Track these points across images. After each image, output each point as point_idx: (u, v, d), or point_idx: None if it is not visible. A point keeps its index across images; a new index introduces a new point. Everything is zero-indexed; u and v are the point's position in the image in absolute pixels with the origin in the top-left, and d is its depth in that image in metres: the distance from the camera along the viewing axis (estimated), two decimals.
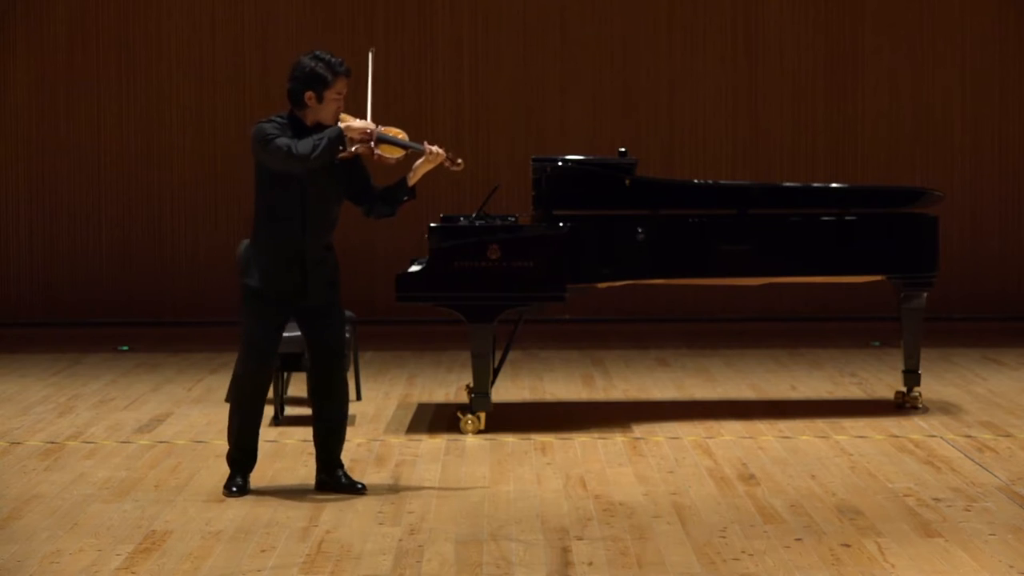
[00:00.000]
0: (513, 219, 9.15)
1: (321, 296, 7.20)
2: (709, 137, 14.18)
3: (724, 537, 6.41)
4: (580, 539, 6.39)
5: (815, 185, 10.23)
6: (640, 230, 8.94)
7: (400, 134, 7.34)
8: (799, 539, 6.38)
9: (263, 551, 6.23)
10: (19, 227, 14.12)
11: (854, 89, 14.15)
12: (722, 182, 10.85)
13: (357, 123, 7.10)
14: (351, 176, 7.25)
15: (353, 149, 7.13)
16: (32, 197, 14.10)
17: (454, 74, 14.14)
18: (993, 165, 14.19)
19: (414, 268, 8.82)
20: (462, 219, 9.04)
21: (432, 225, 8.83)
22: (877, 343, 12.38)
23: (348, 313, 9.59)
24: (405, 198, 7.33)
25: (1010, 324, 13.68)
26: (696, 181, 10.22)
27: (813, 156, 14.17)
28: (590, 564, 6.01)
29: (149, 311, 14.04)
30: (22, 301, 14.12)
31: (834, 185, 10.20)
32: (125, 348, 12.48)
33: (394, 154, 7.26)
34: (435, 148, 7.31)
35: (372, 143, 7.11)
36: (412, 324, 13.41)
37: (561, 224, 8.81)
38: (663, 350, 12.28)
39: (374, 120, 7.23)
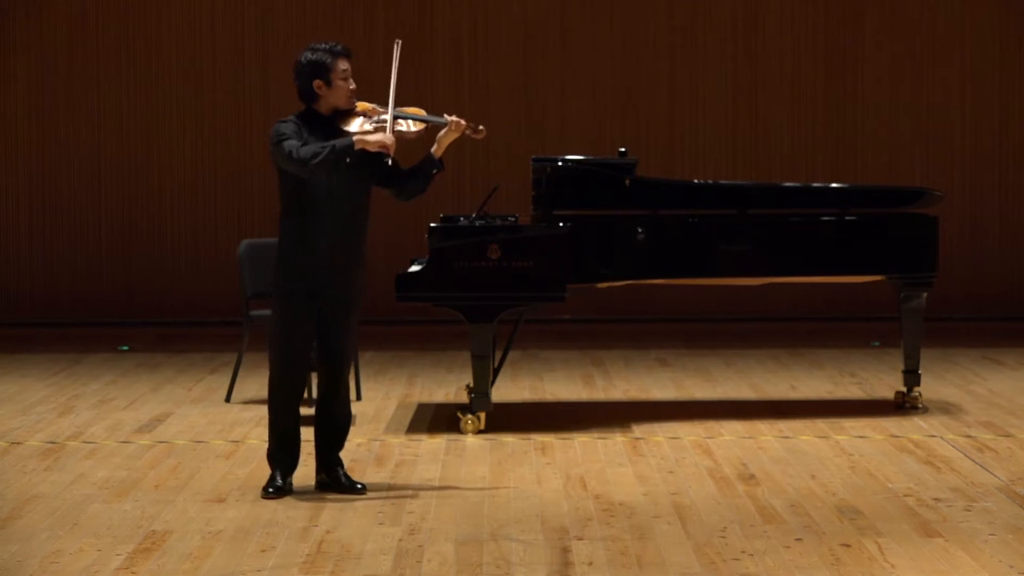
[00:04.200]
0: (513, 219, 9.15)
1: (342, 291, 7.15)
2: (709, 137, 14.18)
3: (724, 537, 6.41)
4: (580, 539, 6.39)
5: (815, 185, 10.23)
6: (640, 230, 8.94)
7: (419, 112, 7.36)
8: (799, 539, 6.38)
9: (263, 551, 6.23)
10: (19, 227, 14.12)
11: (854, 89, 14.15)
12: (722, 182, 10.86)
13: (374, 136, 7.07)
14: (377, 163, 7.19)
15: (371, 127, 7.16)
16: (32, 197, 14.10)
17: (454, 74, 14.14)
18: (993, 165, 14.19)
19: (414, 268, 8.82)
20: (462, 219, 9.04)
21: (432, 225, 8.84)
22: (877, 343, 12.39)
23: None
24: (435, 171, 7.35)
25: (1010, 324, 13.68)
26: (696, 181, 10.22)
27: (813, 156, 14.17)
28: (590, 564, 6.01)
29: (149, 311, 14.04)
30: (22, 301, 14.12)
31: (834, 185, 10.19)
32: (125, 348, 12.48)
33: (414, 128, 7.27)
34: (455, 118, 7.36)
35: (390, 152, 7.09)
36: (412, 324, 13.41)
37: (561, 224, 8.81)
38: (663, 350, 12.28)
39: (394, 104, 7.23)
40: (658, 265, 9.03)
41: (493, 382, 8.94)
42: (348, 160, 7.05)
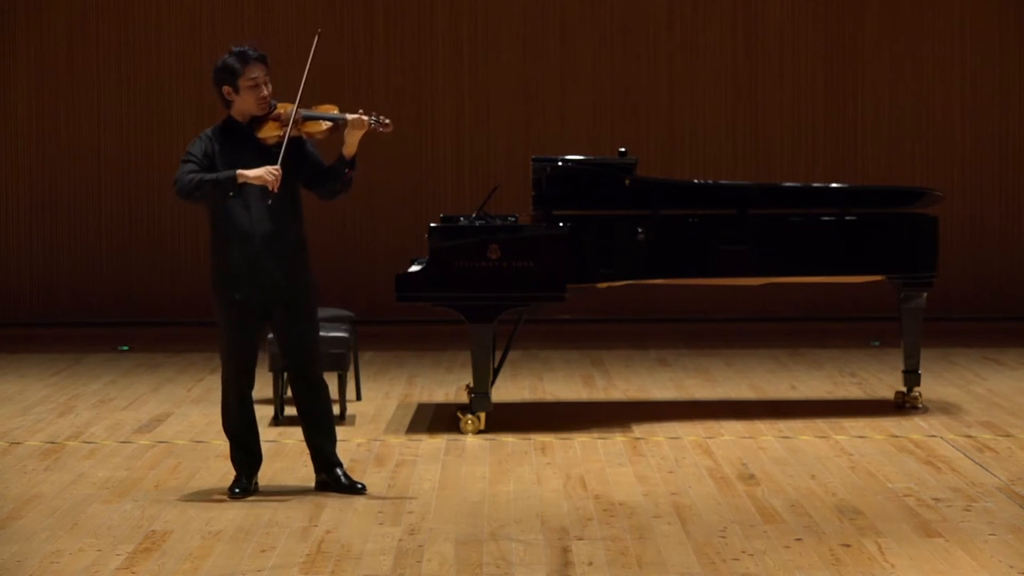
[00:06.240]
0: (513, 219, 9.15)
1: (285, 291, 7.13)
2: (709, 137, 14.18)
3: (724, 537, 6.41)
4: (580, 539, 6.39)
5: (815, 185, 10.23)
6: (640, 230, 8.94)
7: (333, 109, 7.26)
8: (799, 539, 6.38)
9: (263, 551, 6.23)
10: (19, 227, 14.12)
11: (854, 89, 14.15)
12: (722, 182, 10.86)
13: (254, 172, 6.96)
14: (301, 163, 7.16)
15: (281, 134, 7.09)
16: (32, 197, 14.10)
17: (454, 74, 14.14)
18: (993, 165, 14.19)
19: (414, 268, 8.82)
20: (462, 219, 9.04)
21: (432, 225, 8.83)
22: (877, 343, 12.38)
23: (348, 313, 9.63)
24: (346, 170, 7.20)
25: (1010, 324, 13.67)
26: (696, 181, 10.22)
27: (813, 156, 14.17)
28: (590, 564, 6.01)
29: (149, 311, 14.04)
30: (22, 301, 14.12)
31: (834, 185, 10.20)
32: (125, 348, 12.48)
33: (318, 128, 7.18)
34: (357, 115, 7.16)
35: (295, 125, 7.06)
36: (412, 324, 13.41)
37: (561, 224, 8.82)
38: (663, 350, 12.28)
39: (302, 102, 7.17)
40: (658, 265, 9.03)
41: (493, 382, 8.94)
42: (231, 193, 7.00)
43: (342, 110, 7.29)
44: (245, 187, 7.04)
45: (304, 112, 7.18)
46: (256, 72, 7.09)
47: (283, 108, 7.19)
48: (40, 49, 14.05)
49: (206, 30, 14.09)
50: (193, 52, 14.07)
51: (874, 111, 14.16)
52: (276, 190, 6.95)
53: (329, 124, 7.19)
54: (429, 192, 14.07)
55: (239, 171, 6.98)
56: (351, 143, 7.17)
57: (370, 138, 7.41)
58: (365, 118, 7.15)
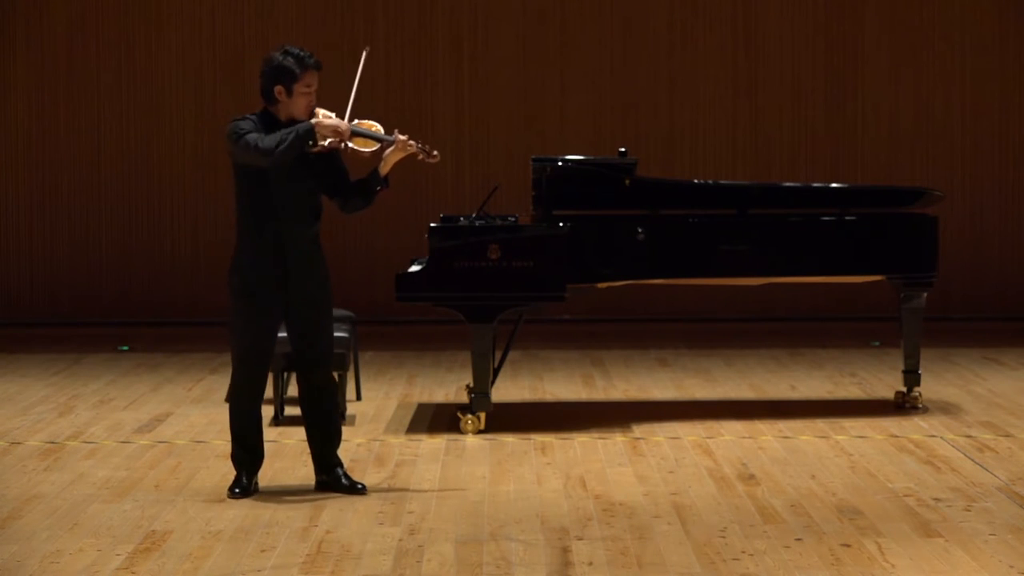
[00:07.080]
0: (513, 219, 9.15)
1: (304, 290, 7.16)
2: (709, 137, 14.18)
3: (724, 537, 6.42)
4: (580, 539, 6.39)
5: (815, 185, 10.23)
6: (640, 230, 8.94)
7: (374, 127, 7.28)
8: (799, 539, 6.38)
9: (263, 551, 6.23)
10: (19, 227, 14.12)
11: (854, 89, 14.15)
12: (722, 182, 10.85)
13: (329, 121, 7.07)
14: (328, 169, 7.20)
15: (325, 143, 7.11)
16: (32, 197, 14.10)
17: (454, 74, 14.14)
18: (993, 165, 14.19)
19: (414, 268, 8.82)
20: (462, 219, 9.04)
21: (432, 225, 8.84)
22: (877, 343, 12.38)
23: (348, 313, 9.63)
24: (379, 188, 7.26)
25: (1010, 324, 13.67)
26: (696, 181, 10.22)
27: (813, 156, 14.17)
28: (590, 564, 6.01)
29: (149, 311, 14.04)
30: (22, 301, 14.12)
31: (834, 185, 10.20)
32: (125, 348, 12.48)
33: (367, 147, 7.20)
34: (404, 137, 7.23)
35: (344, 138, 7.10)
36: (412, 324, 13.41)
37: (561, 224, 8.82)
38: (663, 350, 12.28)
39: (352, 115, 7.21)
40: (658, 265, 9.03)
41: (493, 382, 8.94)
42: (311, 143, 7.01)
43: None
44: (284, 194, 7.10)
45: (355, 128, 7.18)
46: (312, 80, 7.13)
47: (320, 115, 7.21)
48: (40, 49, 14.04)
49: (207, 30, 14.09)
50: (193, 52, 14.07)
51: (874, 111, 14.16)
52: (343, 144, 7.04)
53: (377, 144, 7.21)
54: (429, 192, 14.07)
55: (315, 120, 7.03)
56: (389, 163, 7.24)
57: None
58: (414, 144, 7.22)
